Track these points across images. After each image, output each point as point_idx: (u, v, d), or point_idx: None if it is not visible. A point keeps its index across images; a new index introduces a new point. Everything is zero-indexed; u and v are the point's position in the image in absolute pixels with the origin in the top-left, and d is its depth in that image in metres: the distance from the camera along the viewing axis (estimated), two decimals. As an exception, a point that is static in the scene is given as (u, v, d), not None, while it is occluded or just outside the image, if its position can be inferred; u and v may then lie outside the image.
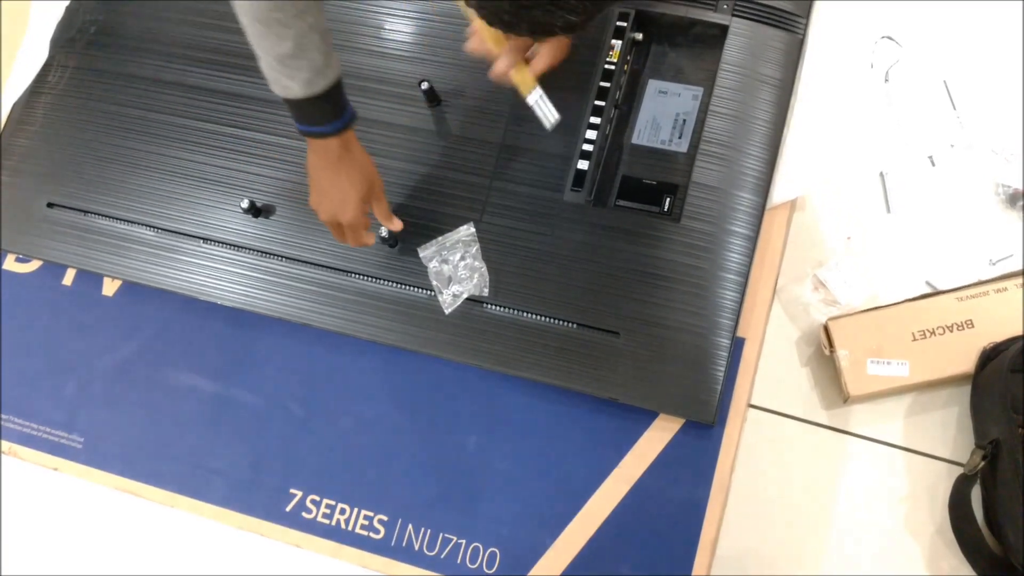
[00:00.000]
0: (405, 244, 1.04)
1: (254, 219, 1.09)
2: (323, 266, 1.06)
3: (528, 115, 1.02)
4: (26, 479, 1.17)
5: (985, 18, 1.22)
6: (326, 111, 0.89)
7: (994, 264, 1.15)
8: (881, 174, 1.16)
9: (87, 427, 1.11)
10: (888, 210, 1.16)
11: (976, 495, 1.06)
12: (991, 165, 1.17)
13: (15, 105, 1.21)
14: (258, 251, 1.08)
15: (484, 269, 1.01)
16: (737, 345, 1.00)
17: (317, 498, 1.04)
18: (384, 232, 1.02)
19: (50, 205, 1.15)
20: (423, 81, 1.05)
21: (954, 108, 1.19)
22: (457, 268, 1.02)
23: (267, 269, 1.07)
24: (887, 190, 1.16)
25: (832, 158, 1.15)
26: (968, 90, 1.20)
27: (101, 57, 1.20)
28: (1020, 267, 1.13)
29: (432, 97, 1.07)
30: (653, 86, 1.06)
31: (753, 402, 1.11)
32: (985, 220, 1.16)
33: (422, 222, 1.05)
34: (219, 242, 1.09)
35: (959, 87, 1.20)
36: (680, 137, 1.04)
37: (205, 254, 1.09)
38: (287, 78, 0.85)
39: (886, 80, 1.21)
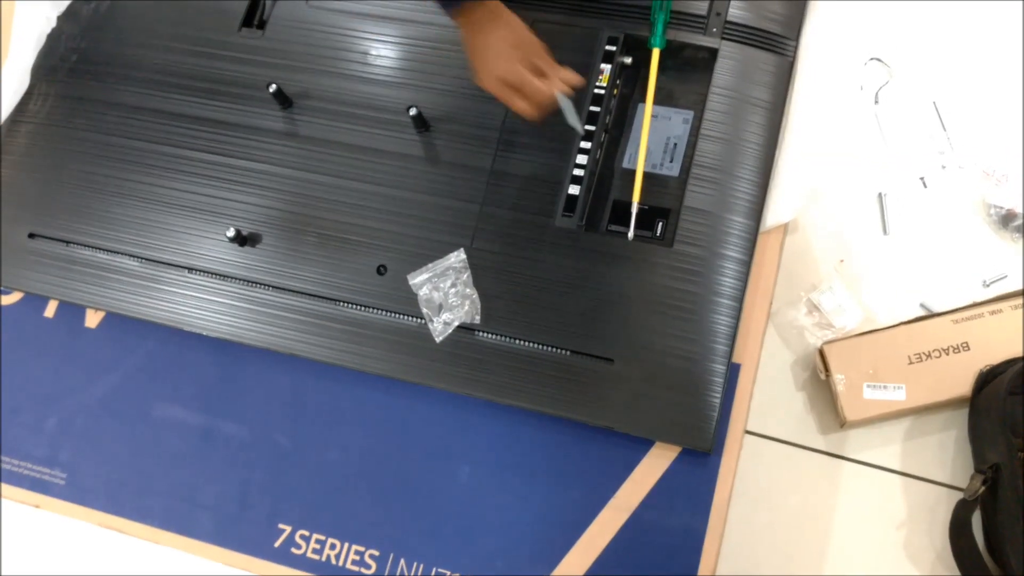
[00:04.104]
0: (394, 271, 1.03)
1: (240, 248, 1.07)
2: (311, 295, 1.04)
3: (518, 141, 1.02)
4: (6, 517, 1.15)
5: (974, 40, 1.22)
6: None
7: (988, 285, 1.15)
8: (880, 195, 1.16)
9: (70, 462, 1.08)
10: (885, 231, 1.16)
11: (976, 520, 1.05)
12: (982, 186, 1.17)
13: (-4, 134, 1.20)
14: (244, 280, 1.06)
15: (475, 296, 1.00)
16: (733, 371, 0.99)
17: (307, 533, 1.02)
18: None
19: (31, 235, 1.13)
20: (411, 107, 1.04)
21: (944, 129, 1.19)
22: (448, 295, 1.00)
23: (254, 299, 1.06)
24: (885, 211, 1.16)
25: (824, 180, 1.15)
26: (958, 111, 1.20)
27: (83, 85, 1.18)
28: (1014, 288, 1.13)
29: (421, 123, 1.06)
30: (643, 110, 1.05)
31: (749, 428, 1.10)
32: (978, 241, 1.16)
33: (412, 249, 1.03)
34: (204, 271, 1.08)
35: (949, 108, 1.20)
36: (671, 161, 1.03)
37: (190, 284, 1.07)
38: None
39: (876, 102, 1.20)
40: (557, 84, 0.93)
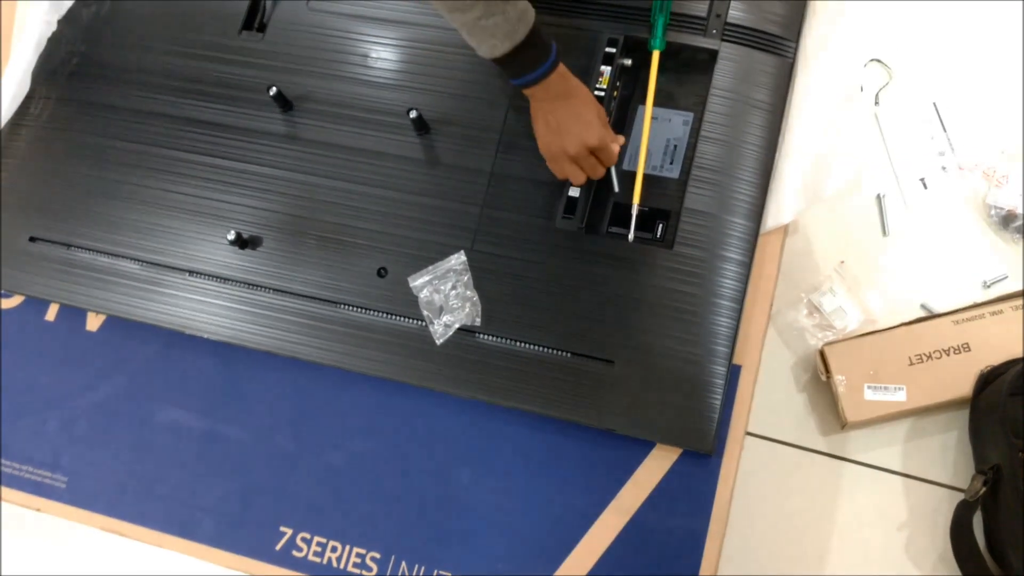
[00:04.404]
0: (395, 273, 1.03)
1: (240, 251, 1.07)
2: (311, 297, 1.04)
3: (518, 143, 1.02)
4: (7, 521, 1.15)
5: (974, 41, 1.22)
6: (537, 53, 0.92)
7: (988, 286, 1.15)
8: (879, 196, 1.16)
9: (71, 466, 1.08)
10: (885, 232, 1.15)
11: (978, 521, 1.05)
12: (982, 187, 1.17)
13: (-4, 138, 1.20)
14: (245, 283, 1.06)
15: (476, 298, 1.00)
16: (733, 373, 0.99)
17: (308, 535, 1.02)
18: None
19: (32, 239, 1.13)
20: (411, 109, 1.04)
21: (944, 130, 1.19)
22: (448, 297, 1.00)
23: (254, 301, 1.05)
24: (884, 213, 1.16)
25: (824, 182, 1.15)
26: (958, 112, 1.20)
27: (83, 88, 1.18)
28: (1014, 289, 1.13)
29: (421, 125, 1.06)
30: (643, 112, 1.05)
31: (750, 429, 1.10)
32: (978, 242, 1.16)
33: (412, 251, 1.03)
34: (205, 275, 1.08)
35: (949, 109, 1.20)
36: (672, 163, 1.03)
37: (191, 287, 1.07)
38: (490, 37, 0.88)
39: (876, 103, 1.20)
40: (617, 149, 0.99)
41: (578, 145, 0.95)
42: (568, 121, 0.96)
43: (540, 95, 0.96)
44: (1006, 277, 1.14)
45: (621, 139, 0.99)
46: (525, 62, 0.92)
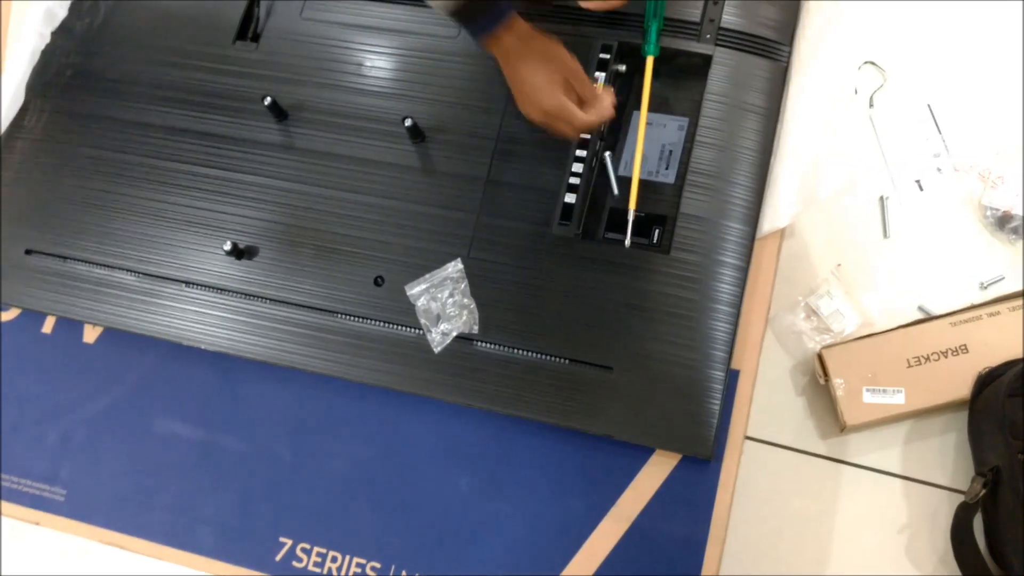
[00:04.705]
0: (392, 282, 1.03)
1: (237, 261, 1.07)
2: (308, 307, 1.04)
3: (514, 150, 1.02)
4: (6, 535, 1.14)
5: (968, 42, 1.22)
6: (481, 8, 0.90)
7: (985, 287, 1.15)
8: (882, 198, 1.16)
9: (69, 479, 1.08)
10: (886, 235, 1.16)
11: (978, 522, 1.05)
12: (978, 188, 1.17)
13: (-9, 150, 1.19)
14: (242, 294, 1.06)
15: (473, 306, 1.00)
16: (732, 377, 0.99)
17: (307, 546, 1.02)
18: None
19: (28, 252, 1.13)
20: (406, 117, 1.04)
21: (939, 132, 1.19)
22: (446, 305, 1.00)
23: (251, 312, 1.05)
24: (886, 215, 1.16)
25: (820, 185, 1.15)
26: (953, 114, 1.20)
27: (78, 100, 1.18)
28: (1011, 290, 1.13)
29: (416, 133, 1.06)
30: (638, 117, 1.05)
31: (749, 434, 1.10)
32: (974, 243, 1.16)
33: (409, 259, 1.03)
34: (202, 285, 1.07)
35: (944, 111, 1.20)
36: (667, 168, 1.03)
37: (188, 298, 1.07)
38: None
39: (871, 105, 1.21)
40: (598, 113, 0.95)
41: (537, 112, 0.94)
42: (522, 86, 0.94)
43: (499, 55, 0.94)
44: (1003, 278, 1.14)
45: (605, 102, 0.96)
46: (476, 16, 0.90)
